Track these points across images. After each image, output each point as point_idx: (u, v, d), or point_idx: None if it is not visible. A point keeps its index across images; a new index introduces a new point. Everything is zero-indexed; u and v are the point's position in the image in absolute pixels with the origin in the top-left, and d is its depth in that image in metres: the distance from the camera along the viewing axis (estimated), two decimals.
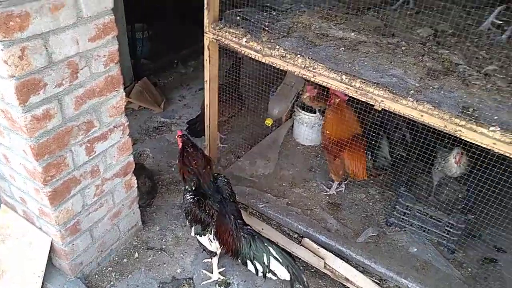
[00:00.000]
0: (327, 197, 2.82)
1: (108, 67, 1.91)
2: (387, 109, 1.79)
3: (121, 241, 2.51)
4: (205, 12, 1.94)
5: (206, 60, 2.10)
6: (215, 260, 2.33)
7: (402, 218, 2.60)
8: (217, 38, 2.01)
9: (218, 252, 2.26)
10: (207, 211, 2.12)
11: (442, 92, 1.76)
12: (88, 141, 1.97)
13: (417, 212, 2.56)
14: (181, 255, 2.55)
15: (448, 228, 2.46)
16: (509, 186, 2.06)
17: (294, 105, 2.79)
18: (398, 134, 2.61)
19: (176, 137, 2.28)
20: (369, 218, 2.71)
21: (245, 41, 1.94)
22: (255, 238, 2.08)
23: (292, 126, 3.26)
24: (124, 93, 2.07)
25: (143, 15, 4.07)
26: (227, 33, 1.97)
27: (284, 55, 1.87)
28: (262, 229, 2.54)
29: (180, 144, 2.22)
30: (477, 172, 2.13)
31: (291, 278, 2.01)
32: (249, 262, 2.10)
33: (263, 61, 1.94)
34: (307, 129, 3.05)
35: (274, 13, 2.19)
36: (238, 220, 2.12)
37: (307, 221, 2.55)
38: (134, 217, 2.55)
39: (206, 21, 1.98)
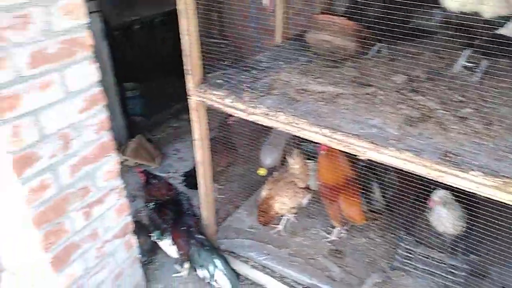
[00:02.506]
0: (329, 244, 2.80)
1: (99, 135, 2.01)
2: (371, 159, 1.82)
3: None
4: (188, 77, 2.06)
5: (194, 121, 2.19)
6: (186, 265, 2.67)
7: (406, 262, 2.56)
8: (202, 100, 2.12)
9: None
10: (163, 218, 2.59)
11: (422, 139, 1.79)
12: (86, 206, 2.05)
13: (420, 255, 2.52)
14: None
15: (452, 270, 2.41)
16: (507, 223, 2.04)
17: (286, 153, 2.86)
18: (387, 178, 2.62)
19: (138, 173, 2.82)
20: (373, 264, 2.67)
21: (229, 102, 2.04)
22: (203, 248, 2.47)
23: None
24: (117, 157, 2.17)
25: (133, 74, 4.26)
26: (211, 95, 2.08)
27: (267, 113, 1.95)
28: (266, 283, 2.53)
29: (143, 178, 2.78)
30: (470, 213, 2.12)
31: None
32: (198, 269, 2.49)
33: (248, 119, 2.02)
34: None
35: (255, 72, 2.30)
36: (191, 229, 2.54)
37: (310, 271, 2.53)
38: (137, 276, 2.58)
39: (190, 85, 2.10)
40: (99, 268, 2.24)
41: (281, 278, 2.53)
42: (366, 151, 1.80)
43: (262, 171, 2.95)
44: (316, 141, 1.88)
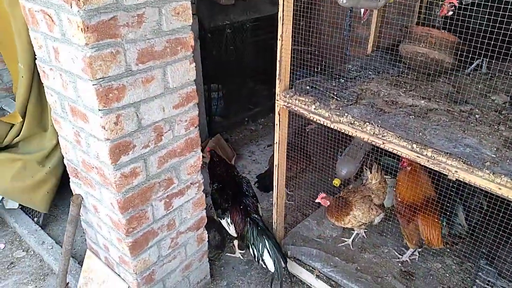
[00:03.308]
0: (400, 265, 2.69)
1: (188, 131, 2.11)
2: (461, 180, 1.73)
3: None
4: (277, 81, 2.09)
5: (276, 124, 2.22)
6: (235, 242, 2.89)
7: None
8: (287, 105, 2.13)
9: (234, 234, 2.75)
10: (225, 197, 2.74)
11: None
12: (167, 197, 2.15)
13: None
14: None
15: None
16: None
17: (363, 166, 2.79)
18: (474, 201, 2.46)
19: (207, 152, 3.05)
20: None
21: (314, 108, 2.03)
22: (258, 227, 2.56)
23: None
24: (201, 153, 2.25)
25: (218, 76, 4.40)
26: (297, 101, 2.08)
27: (352, 122, 1.93)
28: None
29: (209, 156, 3.00)
30: None
31: (273, 272, 2.47)
32: (250, 246, 2.58)
33: (332, 126, 2.00)
34: None
35: (343, 80, 2.27)
36: (249, 209, 2.67)
37: None
38: (204, 270, 2.65)
39: (278, 89, 2.12)
40: (171, 258, 2.33)
41: None
42: (458, 171, 1.70)
43: (336, 181, 2.91)
44: (403, 156, 1.82)
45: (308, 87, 2.15)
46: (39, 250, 2.96)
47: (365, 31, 3.49)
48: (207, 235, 2.54)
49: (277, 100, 2.16)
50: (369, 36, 2.74)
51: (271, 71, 2.28)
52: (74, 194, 2.25)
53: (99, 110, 1.69)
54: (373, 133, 1.88)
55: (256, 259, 2.57)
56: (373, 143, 1.89)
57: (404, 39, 2.32)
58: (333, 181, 2.91)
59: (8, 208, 3.20)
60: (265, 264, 2.52)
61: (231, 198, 2.74)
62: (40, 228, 3.11)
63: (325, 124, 2.03)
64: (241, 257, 2.93)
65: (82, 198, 2.22)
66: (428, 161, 1.75)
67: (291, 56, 2.10)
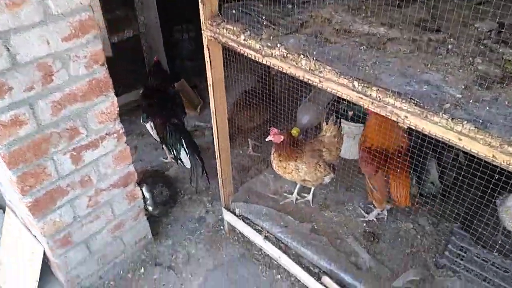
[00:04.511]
0: (364, 224, 2.35)
1: (91, 69, 1.72)
2: (412, 127, 1.33)
3: (127, 254, 2.35)
4: (200, 5, 1.65)
5: (207, 61, 1.80)
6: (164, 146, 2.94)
7: (456, 261, 2.05)
8: (214, 36, 1.71)
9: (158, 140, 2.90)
10: (149, 103, 2.85)
11: (494, 107, 1.25)
12: (73, 149, 1.81)
13: (476, 256, 2.01)
14: (190, 276, 2.32)
15: None
16: None
17: (329, 113, 2.38)
18: (451, 155, 2.06)
19: (154, 60, 3.05)
20: (415, 256, 2.19)
21: (243, 39, 1.61)
22: (176, 130, 2.70)
23: None
24: (115, 98, 1.87)
25: (184, 15, 3.90)
26: (224, 30, 1.65)
27: (285, 55, 1.50)
28: (280, 257, 2.19)
29: (155, 63, 3.01)
30: None
31: (190, 168, 2.65)
32: (170, 148, 2.74)
33: (263, 62, 1.59)
34: (349, 140, 2.60)
35: (290, 6, 1.81)
36: (172, 115, 2.78)
37: (332, 254, 2.11)
38: (142, 229, 2.37)
39: (202, 16, 1.68)
40: (92, 218, 2.04)
41: (296, 257, 2.16)
42: (408, 116, 1.30)
43: (295, 131, 2.51)
44: (342, 96, 1.41)
45: (240, 13, 1.70)
46: None
47: None
48: (140, 192, 2.23)
49: (203, 30, 1.73)
50: None
51: None
52: None
53: None
54: (309, 69, 1.46)
55: (175, 160, 2.77)
56: (309, 81, 1.48)
57: None
58: (291, 130, 2.51)
59: None
60: (182, 162, 2.69)
61: (156, 104, 2.83)
62: None
63: (256, 59, 1.61)
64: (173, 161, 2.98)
65: None
66: (372, 103, 1.34)
67: None
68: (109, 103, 1.85)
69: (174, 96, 3.02)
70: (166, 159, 3.15)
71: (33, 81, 1.56)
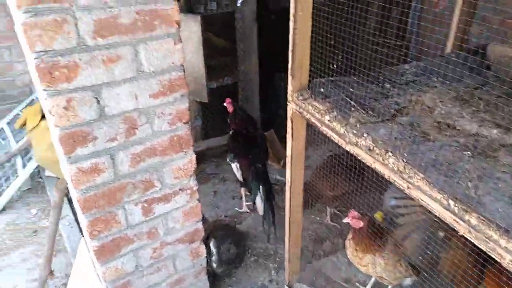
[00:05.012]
0: None
1: (174, 127, 1.72)
2: None
3: None
4: (289, 78, 1.55)
5: (288, 133, 1.69)
6: (242, 190, 3.09)
7: None
8: (299, 110, 1.59)
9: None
10: (236, 144, 2.97)
11: None
12: (145, 201, 1.81)
13: None
14: None
15: None
16: None
17: None
18: None
19: (226, 103, 3.10)
20: None
21: (328, 120, 1.46)
22: (258, 174, 2.76)
23: None
24: (194, 155, 1.84)
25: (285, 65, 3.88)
26: (310, 106, 1.53)
27: (371, 147, 1.32)
28: None
29: (231, 108, 3.08)
30: None
31: (263, 215, 2.67)
32: (251, 191, 2.80)
33: (348, 149, 1.42)
34: None
35: (388, 85, 1.62)
36: (256, 159, 2.85)
37: None
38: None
39: (290, 89, 1.58)
40: (153, 270, 2.00)
41: None
42: None
43: (378, 215, 2.23)
44: (433, 212, 1.17)
45: (330, 89, 1.57)
46: (59, 224, 2.90)
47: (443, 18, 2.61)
48: (204, 249, 2.15)
49: (289, 102, 1.63)
50: (449, 31, 1.95)
51: None
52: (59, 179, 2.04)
53: (43, 90, 1.39)
54: (397, 169, 1.25)
55: (251, 208, 2.95)
56: (395, 183, 1.27)
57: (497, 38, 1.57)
58: (375, 214, 2.24)
59: (47, 175, 3.22)
60: (257, 207, 2.74)
61: (242, 146, 2.95)
62: (68, 201, 3.05)
63: (339, 144, 1.45)
64: (247, 211, 3.09)
65: (67, 184, 2.00)
66: (469, 231, 1.08)
67: (316, 44, 1.55)
68: (187, 160, 1.83)
69: (261, 141, 3.11)
70: (241, 209, 3.12)
71: (117, 133, 1.59)
